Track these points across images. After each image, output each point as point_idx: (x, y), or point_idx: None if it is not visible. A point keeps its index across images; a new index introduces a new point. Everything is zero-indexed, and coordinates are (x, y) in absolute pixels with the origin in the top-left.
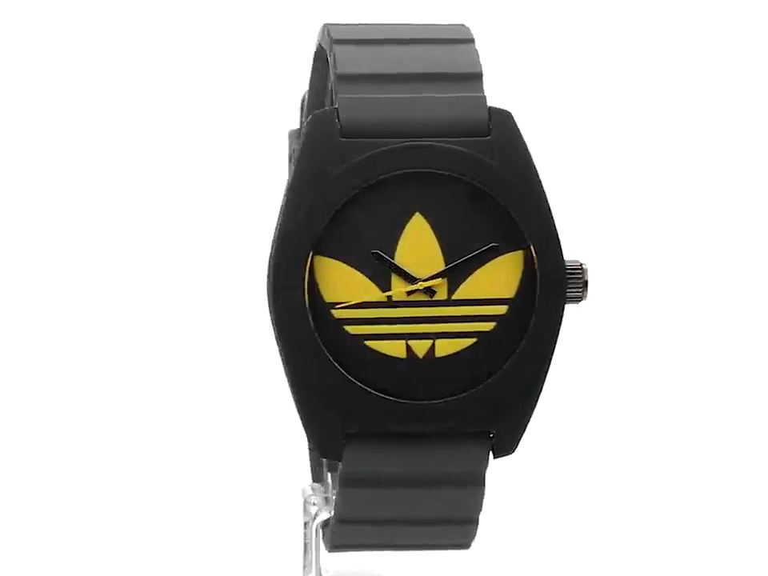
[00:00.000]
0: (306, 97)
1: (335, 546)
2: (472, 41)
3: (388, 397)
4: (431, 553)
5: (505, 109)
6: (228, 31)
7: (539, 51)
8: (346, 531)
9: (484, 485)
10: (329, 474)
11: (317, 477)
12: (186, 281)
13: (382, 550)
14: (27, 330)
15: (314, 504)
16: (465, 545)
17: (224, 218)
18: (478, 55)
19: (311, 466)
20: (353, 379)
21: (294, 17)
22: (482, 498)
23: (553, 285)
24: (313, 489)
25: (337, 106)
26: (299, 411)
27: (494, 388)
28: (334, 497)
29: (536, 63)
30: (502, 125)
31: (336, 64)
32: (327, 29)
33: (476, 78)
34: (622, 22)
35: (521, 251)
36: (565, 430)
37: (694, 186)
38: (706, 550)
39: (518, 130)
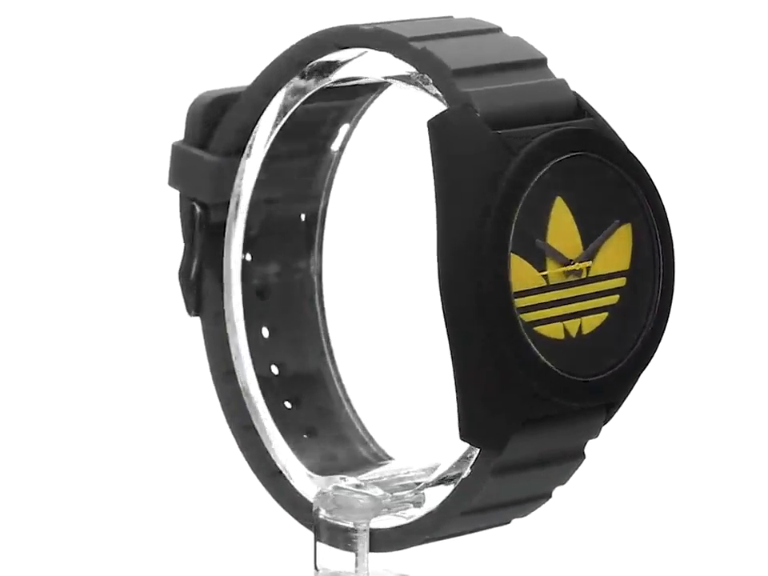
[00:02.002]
0: (244, 95)
1: (427, 539)
2: (501, 29)
3: (572, 377)
4: (434, 549)
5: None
6: None
7: None
8: (455, 523)
9: (585, 456)
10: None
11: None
12: None
13: (451, 538)
14: None
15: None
16: (510, 522)
17: None
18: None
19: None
20: (550, 365)
21: None
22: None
23: (670, 255)
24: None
25: (469, 101)
26: (477, 408)
27: (632, 360)
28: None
29: None
30: (590, 107)
31: (442, 60)
32: (379, 29)
33: (544, 63)
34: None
35: (629, 224)
36: None
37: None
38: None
39: None
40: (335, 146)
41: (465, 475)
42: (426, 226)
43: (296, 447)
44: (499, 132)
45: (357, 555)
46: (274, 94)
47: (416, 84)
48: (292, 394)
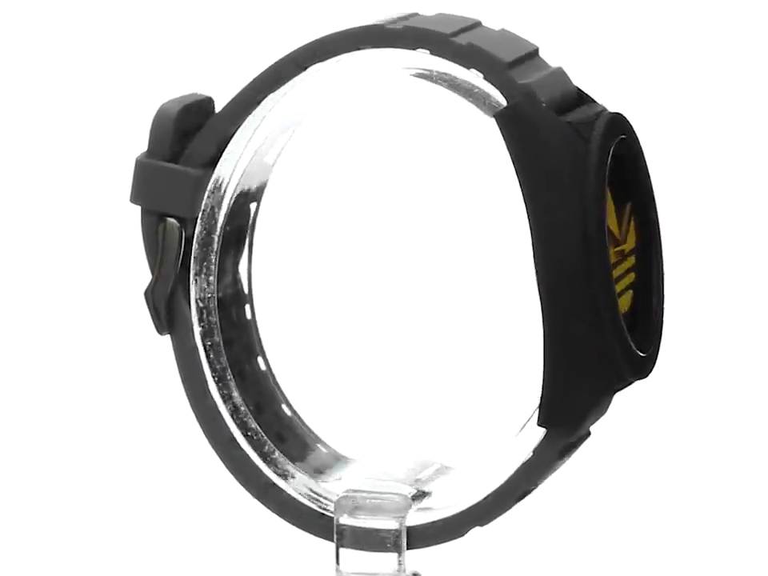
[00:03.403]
0: (230, 103)
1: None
2: (481, 22)
3: (641, 354)
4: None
5: None
6: None
7: None
8: (506, 509)
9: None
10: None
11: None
12: None
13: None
14: None
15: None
16: None
17: None
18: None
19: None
20: (630, 341)
21: None
22: None
23: (660, 232)
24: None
25: (530, 92)
26: (565, 392)
27: (660, 333)
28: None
29: None
30: (585, 92)
31: (494, 53)
32: (410, 26)
33: (538, 52)
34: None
35: (630, 204)
36: None
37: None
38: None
39: None
40: (270, 160)
41: (527, 458)
42: (354, 233)
43: (281, 453)
44: (566, 116)
45: (399, 555)
46: (262, 101)
47: (427, 79)
48: (256, 401)
